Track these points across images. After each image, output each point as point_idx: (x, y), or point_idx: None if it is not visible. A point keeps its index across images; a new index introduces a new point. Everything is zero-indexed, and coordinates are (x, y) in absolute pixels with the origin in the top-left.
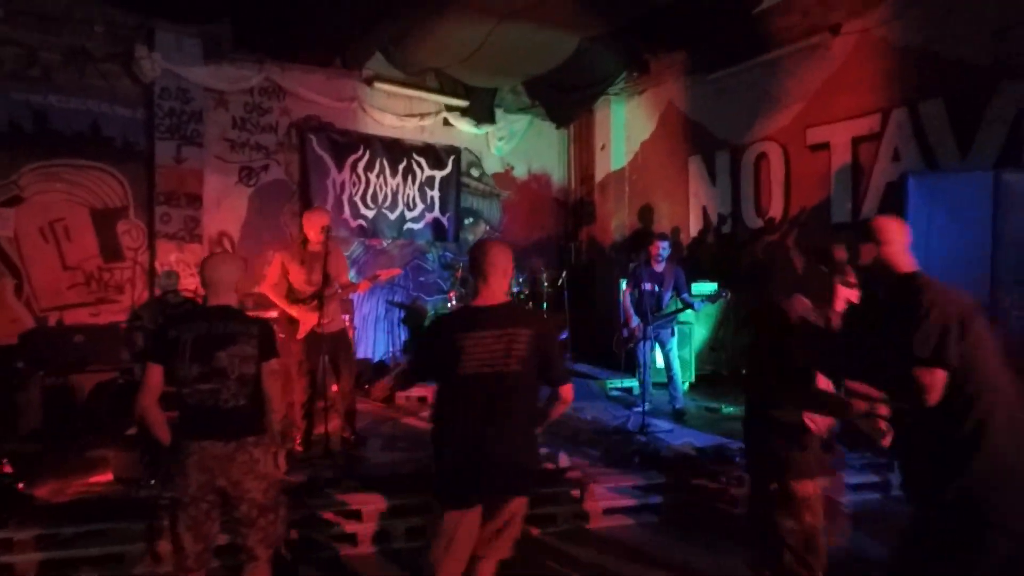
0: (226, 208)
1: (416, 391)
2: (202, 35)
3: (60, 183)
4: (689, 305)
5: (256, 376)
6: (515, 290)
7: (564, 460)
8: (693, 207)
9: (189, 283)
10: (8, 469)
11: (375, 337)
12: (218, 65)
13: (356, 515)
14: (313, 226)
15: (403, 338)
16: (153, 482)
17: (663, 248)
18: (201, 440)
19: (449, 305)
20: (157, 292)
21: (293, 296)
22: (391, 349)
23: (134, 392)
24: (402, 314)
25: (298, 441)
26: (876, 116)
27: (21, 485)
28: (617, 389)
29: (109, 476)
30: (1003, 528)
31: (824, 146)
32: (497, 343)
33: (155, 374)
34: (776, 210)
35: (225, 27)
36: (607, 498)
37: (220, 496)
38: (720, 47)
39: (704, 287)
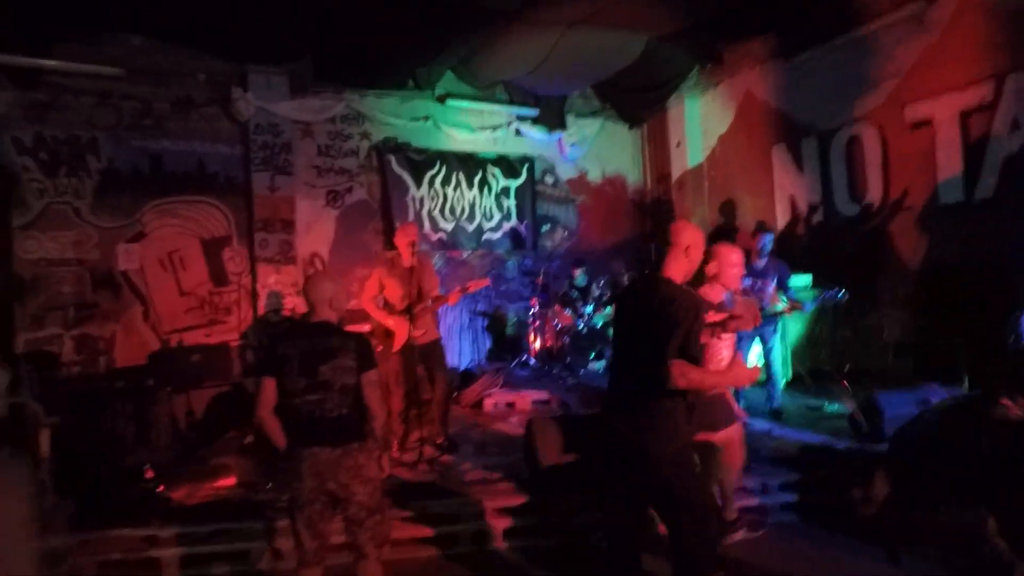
0: (316, 231)
1: (505, 397)
2: (288, 73)
3: (174, 218)
4: (798, 306)
5: (357, 386)
6: (596, 293)
7: None
8: (779, 198)
9: (288, 302)
10: (151, 475)
11: (460, 346)
12: (303, 99)
13: (455, 517)
14: (402, 241)
15: (487, 345)
16: (270, 486)
17: (766, 242)
18: (311, 447)
19: (531, 312)
20: (260, 312)
21: (389, 310)
22: (476, 357)
23: (245, 404)
24: (486, 322)
25: (395, 447)
26: (988, 84)
27: (161, 488)
28: None
29: (233, 481)
30: None
31: (927, 123)
32: None
33: (269, 387)
34: (875, 195)
35: (307, 64)
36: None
37: (331, 498)
38: (800, 30)
39: (798, 279)
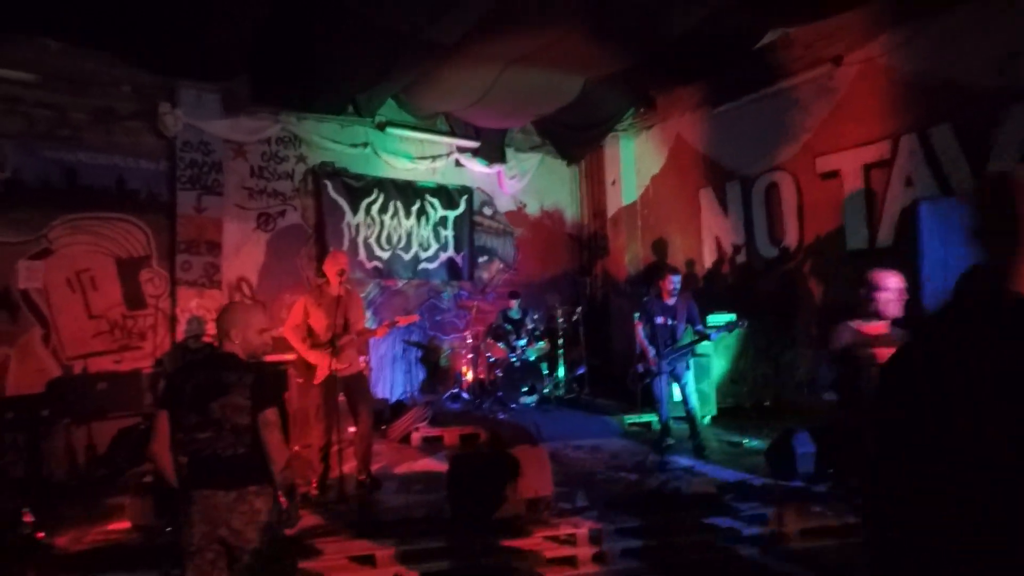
0: (244, 254)
1: (432, 431)
2: (221, 91)
3: (87, 235)
4: (704, 336)
5: (252, 426)
6: (530, 326)
7: (581, 500)
8: (706, 238)
9: (211, 328)
10: (29, 519)
11: (393, 377)
12: (236, 118)
13: (370, 560)
14: (331, 269)
15: (421, 377)
16: (169, 529)
17: (675, 283)
18: (202, 488)
19: (466, 343)
20: (179, 338)
21: (313, 340)
22: (409, 388)
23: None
24: (419, 353)
25: (314, 485)
26: (886, 143)
27: (41, 534)
28: (636, 424)
29: (127, 524)
30: None
31: (835, 174)
32: None
33: (163, 421)
34: (791, 239)
35: (243, 83)
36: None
37: (224, 546)
38: (725, 82)
39: (720, 318)
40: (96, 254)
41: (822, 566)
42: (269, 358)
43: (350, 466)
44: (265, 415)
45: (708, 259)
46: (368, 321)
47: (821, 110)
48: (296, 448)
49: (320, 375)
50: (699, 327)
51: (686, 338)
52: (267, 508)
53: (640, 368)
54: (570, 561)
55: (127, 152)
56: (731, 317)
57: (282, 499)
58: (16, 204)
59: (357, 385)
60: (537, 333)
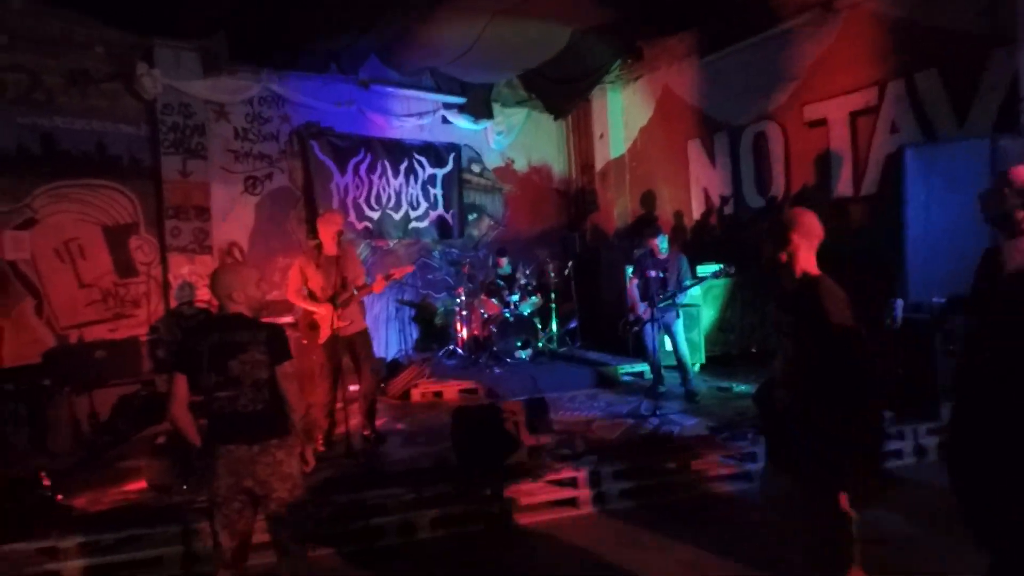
0: (233, 218)
1: (432, 387)
2: (200, 50)
3: (71, 203)
4: (683, 289)
5: (271, 380)
6: (522, 282)
7: (579, 445)
8: (694, 190)
9: (203, 294)
10: (47, 482)
11: (387, 336)
12: (217, 78)
13: (382, 508)
14: (327, 229)
15: (415, 336)
16: (185, 487)
17: (660, 243)
18: (227, 444)
19: (458, 301)
20: (173, 304)
21: (314, 300)
22: (403, 347)
23: (156, 403)
24: (413, 312)
25: (320, 441)
26: (872, 90)
27: (60, 497)
28: (628, 374)
29: (143, 484)
30: None
31: (822, 122)
32: None
33: (180, 384)
34: (778, 188)
35: (221, 40)
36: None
37: (249, 496)
38: (713, 30)
39: (708, 268)
40: (82, 222)
41: None
42: (267, 319)
43: (355, 422)
44: (283, 367)
45: (696, 210)
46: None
47: (809, 58)
48: (306, 405)
49: (323, 334)
50: (685, 282)
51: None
52: (288, 458)
53: (631, 317)
54: (572, 502)
55: (105, 116)
56: (716, 267)
57: (296, 445)
58: None
59: (360, 342)
60: (530, 288)
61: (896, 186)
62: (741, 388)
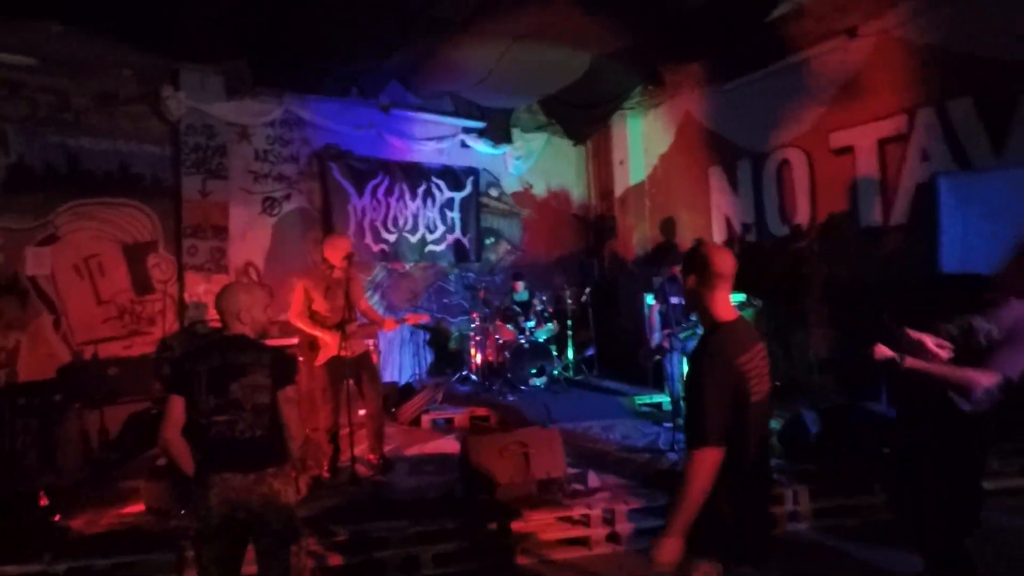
0: (251, 238)
1: (443, 414)
2: (224, 73)
3: (93, 221)
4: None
5: (272, 405)
6: (538, 308)
7: (594, 480)
8: (715, 218)
9: (213, 312)
10: (45, 502)
11: (400, 360)
12: (240, 100)
13: (383, 542)
14: (336, 253)
15: (429, 359)
16: (183, 512)
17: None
18: (221, 471)
19: (473, 326)
20: (186, 323)
21: (319, 323)
22: (417, 372)
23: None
24: (427, 336)
25: (325, 467)
26: (901, 117)
27: (57, 517)
28: (646, 405)
29: (141, 507)
30: None
31: (848, 150)
32: (764, 362)
33: (176, 406)
34: (802, 217)
35: (245, 64)
36: (636, 520)
37: (243, 529)
38: (735, 56)
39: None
40: (103, 240)
41: (837, 545)
42: (273, 342)
43: (361, 448)
44: (286, 392)
45: (717, 238)
46: (375, 304)
47: (834, 84)
48: (307, 431)
49: (324, 356)
50: None
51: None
52: (285, 488)
53: (653, 345)
54: (583, 542)
55: (130, 136)
56: (740, 297)
57: (292, 472)
58: (21, 190)
59: (364, 364)
60: (546, 315)
61: (929, 215)
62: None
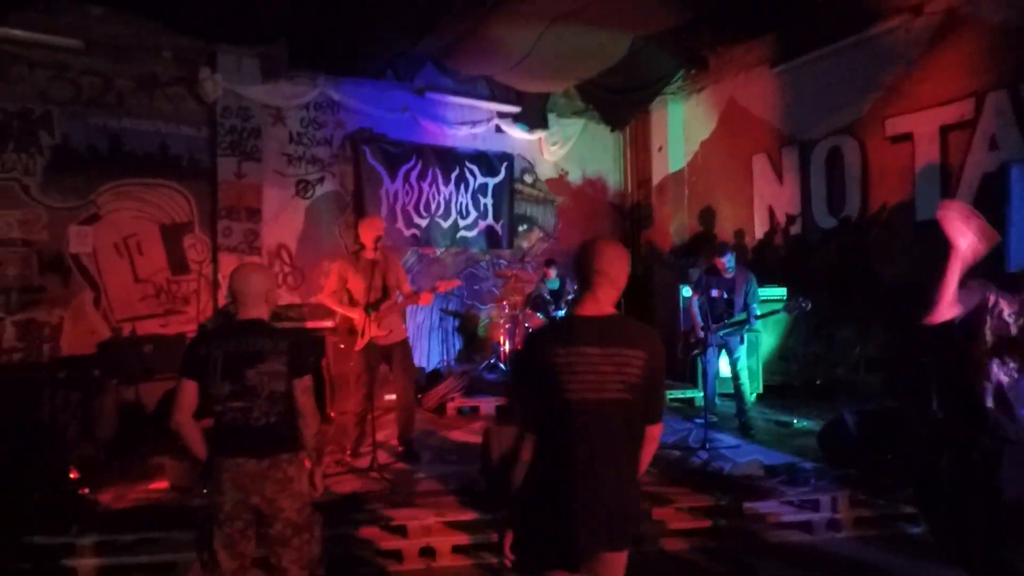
0: (284, 221)
1: (467, 402)
2: (260, 55)
3: (132, 201)
4: (748, 319)
5: (288, 393)
6: (570, 296)
7: None
8: (758, 208)
9: None
10: (75, 475)
11: (429, 346)
12: (275, 83)
13: (401, 531)
14: (367, 234)
15: (458, 346)
16: (205, 491)
17: (728, 262)
18: (235, 457)
19: (503, 313)
20: (220, 303)
21: (353, 305)
22: (445, 358)
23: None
24: (457, 323)
25: (349, 451)
26: (968, 101)
27: (86, 490)
28: (677, 400)
29: (165, 484)
30: None
31: (907, 137)
32: (605, 363)
33: (189, 390)
34: (852, 208)
35: (281, 47)
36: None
37: (255, 514)
38: (787, 38)
39: (771, 291)
40: (141, 220)
41: (878, 559)
42: (308, 324)
43: (385, 434)
44: (303, 380)
45: (759, 229)
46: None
47: (894, 67)
48: (333, 414)
49: (360, 342)
50: (751, 305)
51: (741, 314)
52: (299, 475)
53: (693, 339)
54: None
55: (169, 118)
56: (781, 291)
57: (307, 463)
58: (65, 170)
59: (399, 352)
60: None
61: (998, 208)
62: (803, 424)
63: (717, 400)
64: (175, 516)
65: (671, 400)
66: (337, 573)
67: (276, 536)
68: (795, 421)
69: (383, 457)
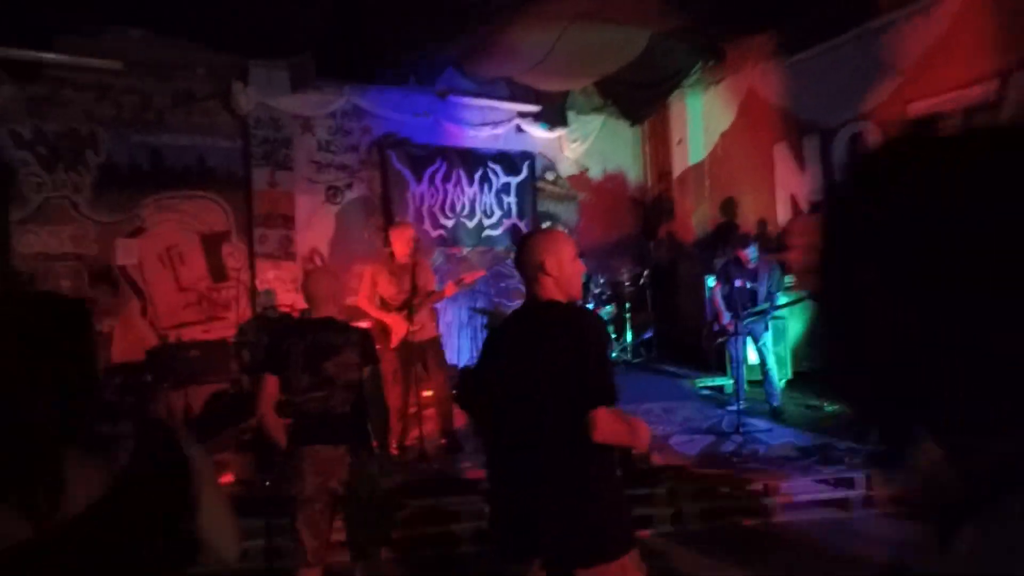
0: (315, 226)
1: None
2: (289, 67)
3: (173, 213)
4: (766, 310)
5: (360, 382)
6: (595, 291)
7: (658, 459)
8: (780, 197)
9: (284, 299)
10: None
11: (459, 343)
12: (304, 93)
13: (455, 516)
14: (400, 240)
15: None
16: (268, 483)
17: (750, 254)
18: (313, 444)
19: None
20: (259, 310)
21: (385, 307)
22: (474, 354)
23: (243, 401)
24: (485, 320)
25: (394, 445)
26: (993, 82)
27: None
28: (708, 388)
29: (230, 477)
30: None
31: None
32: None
33: (271, 384)
34: None
35: (308, 57)
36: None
37: (332, 496)
38: (804, 25)
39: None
40: (182, 230)
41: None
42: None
43: (428, 427)
44: (375, 368)
45: (782, 218)
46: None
47: (915, 50)
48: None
49: (395, 339)
50: (778, 297)
51: (764, 304)
52: (370, 460)
53: (717, 328)
54: (646, 520)
55: (205, 132)
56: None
57: (375, 445)
58: (111, 186)
59: (432, 348)
60: (604, 297)
61: None
62: (833, 407)
63: (746, 387)
64: (242, 506)
65: (701, 387)
66: (398, 556)
67: (352, 517)
68: (825, 405)
69: (428, 450)
